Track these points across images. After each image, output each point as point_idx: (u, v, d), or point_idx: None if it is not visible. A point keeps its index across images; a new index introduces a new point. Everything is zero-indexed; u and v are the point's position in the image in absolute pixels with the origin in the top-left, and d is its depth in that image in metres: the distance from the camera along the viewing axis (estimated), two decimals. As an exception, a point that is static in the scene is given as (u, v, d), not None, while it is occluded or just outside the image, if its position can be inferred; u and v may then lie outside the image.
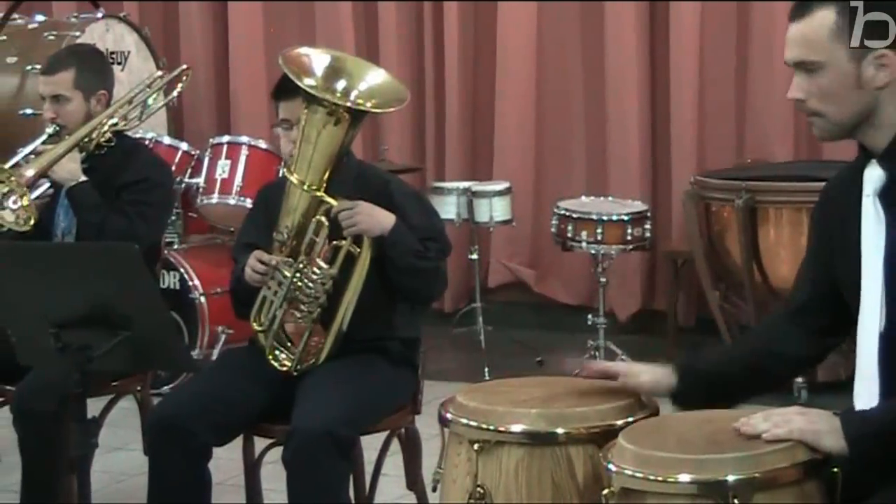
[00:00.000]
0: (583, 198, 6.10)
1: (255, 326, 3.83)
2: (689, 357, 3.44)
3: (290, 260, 3.71)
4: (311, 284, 3.72)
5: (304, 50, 3.83)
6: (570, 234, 5.81)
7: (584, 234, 5.77)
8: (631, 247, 5.76)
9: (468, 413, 2.91)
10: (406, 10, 7.05)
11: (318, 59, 3.77)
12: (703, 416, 2.88)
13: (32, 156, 4.39)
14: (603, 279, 5.79)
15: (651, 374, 2.92)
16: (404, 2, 7.05)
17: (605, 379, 2.97)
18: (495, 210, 6.16)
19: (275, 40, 7.12)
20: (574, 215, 5.79)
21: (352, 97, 3.72)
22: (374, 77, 3.79)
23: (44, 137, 4.40)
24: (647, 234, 5.79)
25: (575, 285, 6.66)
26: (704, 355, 3.22)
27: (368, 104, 3.75)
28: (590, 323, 5.86)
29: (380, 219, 3.70)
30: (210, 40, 7.41)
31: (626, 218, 5.73)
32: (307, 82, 3.66)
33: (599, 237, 5.70)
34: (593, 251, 5.78)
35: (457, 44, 6.84)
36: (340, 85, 3.70)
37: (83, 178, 4.31)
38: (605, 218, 5.73)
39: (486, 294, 6.53)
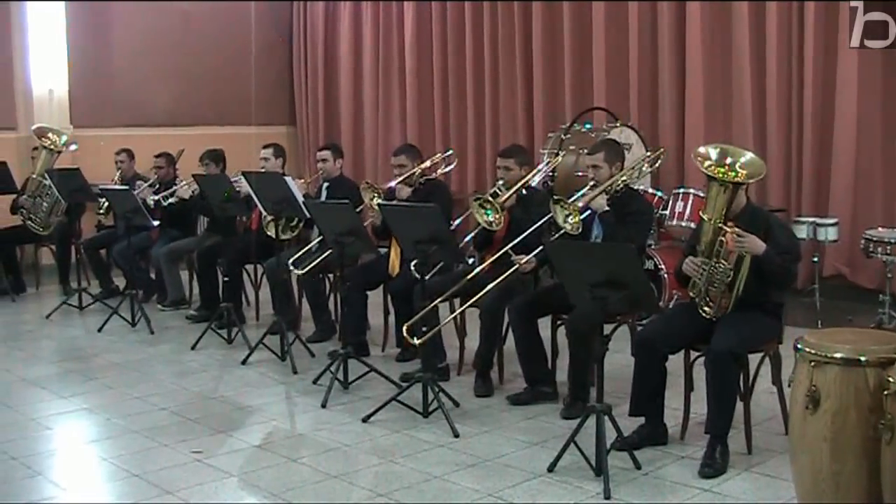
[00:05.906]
0: None
1: (691, 294, 4.28)
2: None
3: (707, 260, 4.15)
4: (718, 274, 4.14)
5: (702, 148, 4.14)
6: None
7: None
8: None
9: (809, 345, 3.27)
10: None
11: (713, 150, 4.15)
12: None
13: (581, 196, 4.91)
14: None
15: None
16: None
17: None
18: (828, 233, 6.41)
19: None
20: None
21: (731, 173, 4.00)
22: (746, 158, 4.06)
23: (587, 188, 4.92)
24: None
25: None
26: None
27: (741, 176, 4.01)
28: None
29: (758, 245, 4.03)
30: (677, 129, 8.15)
31: None
32: (706, 164, 4.05)
33: None
34: None
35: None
36: (727, 164, 4.04)
37: (607, 208, 4.87)
38: None
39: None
